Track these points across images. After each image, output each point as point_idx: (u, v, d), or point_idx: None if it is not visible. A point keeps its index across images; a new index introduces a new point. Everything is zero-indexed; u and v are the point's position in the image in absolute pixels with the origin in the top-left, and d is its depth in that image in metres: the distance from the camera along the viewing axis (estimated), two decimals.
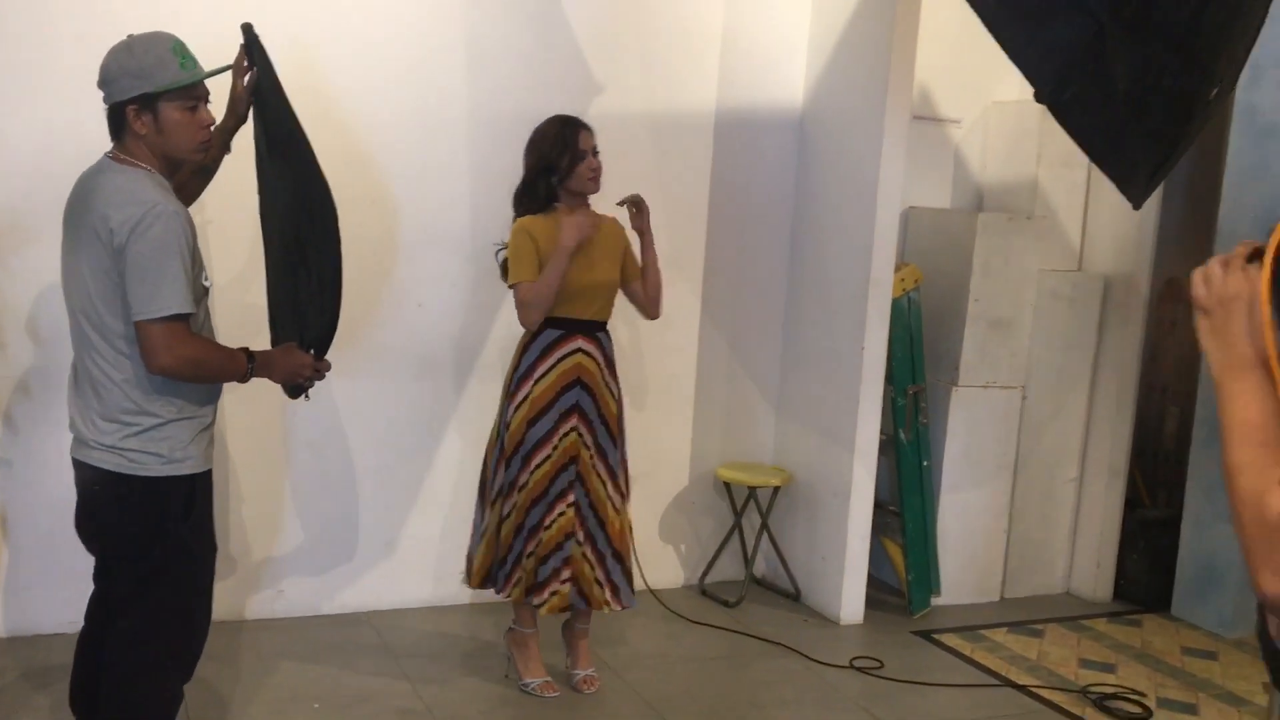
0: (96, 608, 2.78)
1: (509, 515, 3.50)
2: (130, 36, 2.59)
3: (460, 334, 4.32)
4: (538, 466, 3.48)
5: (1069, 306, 4.85)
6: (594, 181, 3.47)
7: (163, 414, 2.53)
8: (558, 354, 3.46)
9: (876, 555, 4.63)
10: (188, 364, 2.49)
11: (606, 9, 4.37)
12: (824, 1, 4.60)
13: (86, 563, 3.95)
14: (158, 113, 2.52)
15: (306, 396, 2.94)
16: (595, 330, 3.53)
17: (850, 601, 4.49)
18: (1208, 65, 2.45)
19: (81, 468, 2.62)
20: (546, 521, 3.49)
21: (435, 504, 4.36)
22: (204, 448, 2.62)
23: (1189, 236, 5.24)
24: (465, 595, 4.40)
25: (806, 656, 4.13)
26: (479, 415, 4.36)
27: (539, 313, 3.42)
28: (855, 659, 4.11)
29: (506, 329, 4.28)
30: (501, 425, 3.57)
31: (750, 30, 4.61)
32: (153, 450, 2.53)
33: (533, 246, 3.40)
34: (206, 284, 2.62)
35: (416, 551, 4.35)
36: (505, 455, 3.53)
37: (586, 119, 4.12)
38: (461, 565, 4.39)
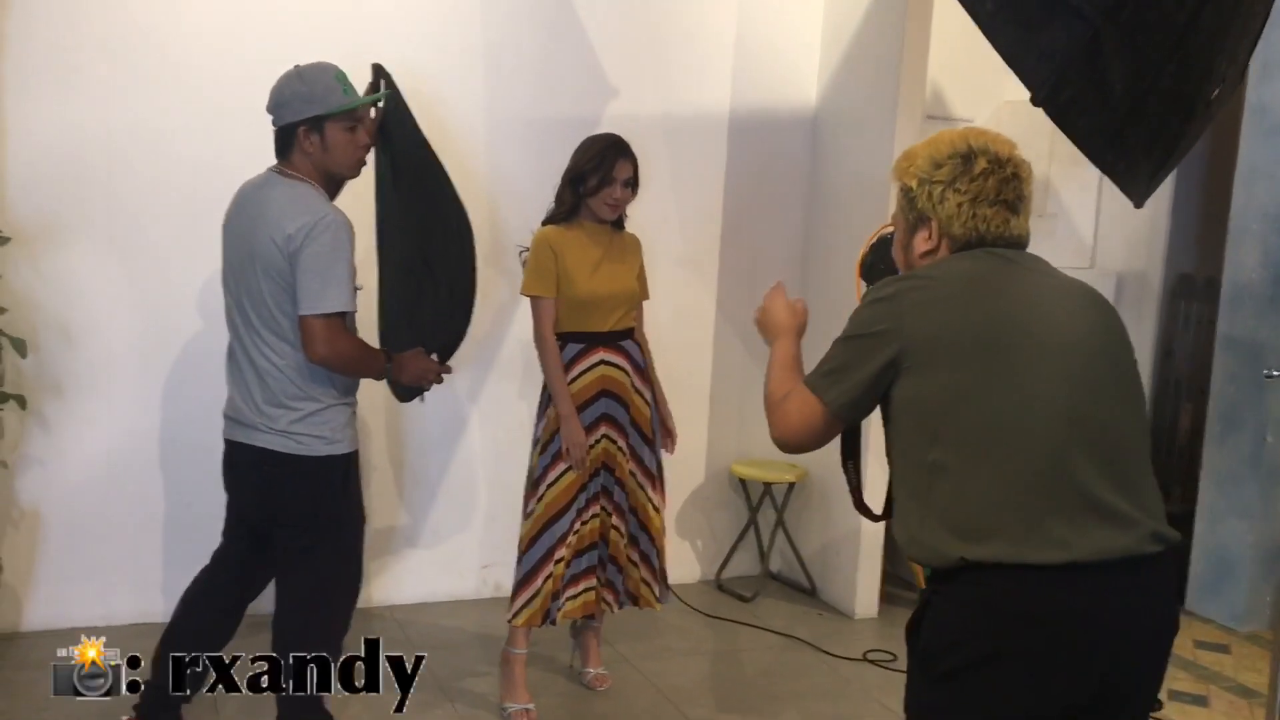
0: (221, 565, 3.08)
1: (530, 514, 3.49)
2: (298, 66, 2.85)
3: (480, 332, 4.39)
4: (561, 476, 3.44)
5: None
6: (611, 209, 3.46)
7: (323, 399, 2.83)
8: (580, 367, 3.46)
9: (891, 550, 4.69)
10: (340, 358, 2.79)
11: (620, 13, 4.44)
12: (836, 1, 4.65)
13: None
14: (324, 133, 2.80)
15: (423, 399, 3.24)
16: (618, 340, 3.52)
17: (864, 595, 4.55)
18: (1206, 66, 2.49)
19: (245, 449, 2.86)
20: (576, 527, 3.47)
21: (456, 499, 4.45)
22: (354, 430, 2.94)
23: (1201, 233, 5.27)
24: (486, 589, 4.49)
25: (821, 650, 4.19)
26: (498, 411, 4.45)
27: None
28: (869, 652, 4.17)
29: (525, 327, 4.35)
30: (533, 442, 3.54)
31: (763, 31, 4.67)
32: (316, 433, 2.82)
33: (551, 260, 3.42)
34: (358, 286, 2.86)
35: (438, 546, 4.44)
36: (540, 447, 3.48)
37: (601, 122, 4.19)
38: (483, 560, 4.49)
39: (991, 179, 1.93)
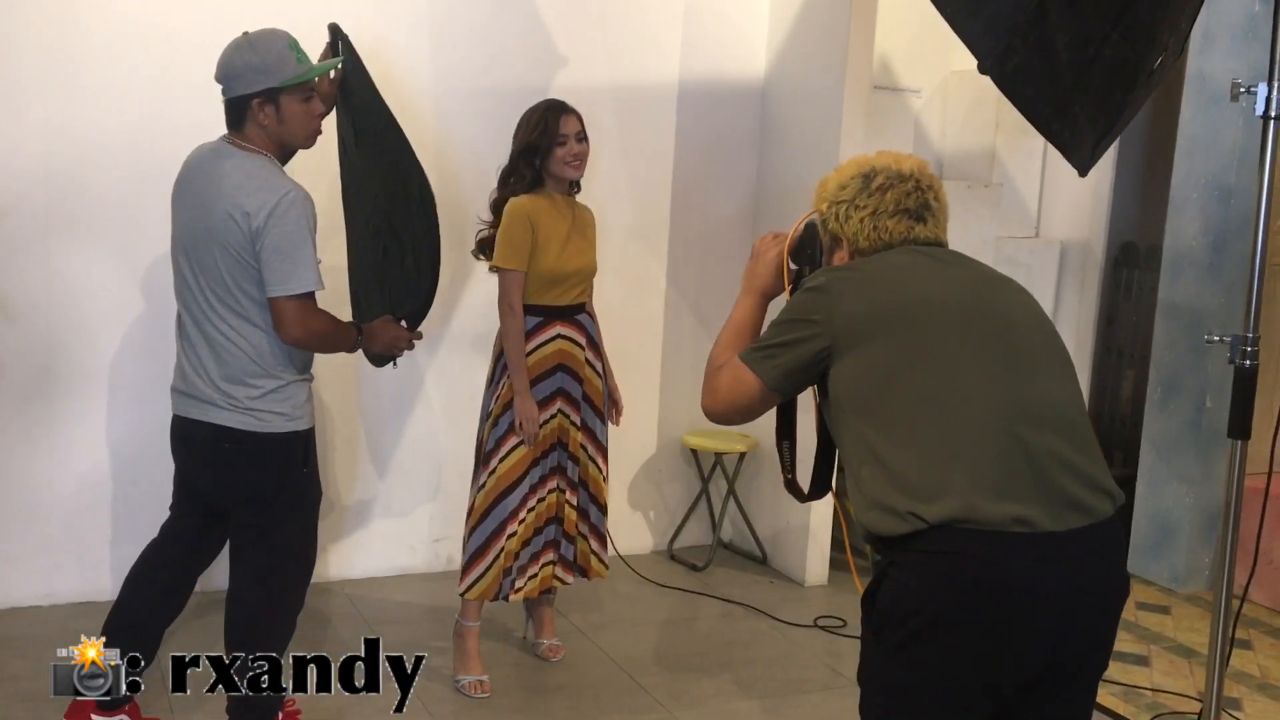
0: (169, 539, 3.04)
1: (482, 487, 3.46)
2: (247, 34, 2.76)
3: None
4: (514, 449, 3.42)
5: (1026, 272, 4.94)
6: (573, 167, 3.41)
7: (284, 376, 2.80)
8: (536, 341, 3.44)
9: (844, 519, 4.73)
10: (315, 336, 2.78)
11: None
12: None
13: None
14: (279, 105, 2.73)
15: (394, 365, 3.22)
16: (574, 314, 3.50)
17: (815, 563, 4.59)
18: (1149, 36, 2.51)
19: (202, 426, 2.81)
20: (530, 503, 3.46)
21: (406, 473, 4.42)
22: (312, 406, 2.92)
23: (1144, 202, 5.35)
24: (439, 563, 4.48)
25: (772, 617, 4.23)
26: (448, 384, 4.42)
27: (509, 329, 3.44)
28: (819, 618, 4.22)
29: (474, 298, 4.34)
30: (484, 415, 3.51)
31: (712, 0, 4.66)
32: (278, 410, 2.79)
33: (528, 233, 3.34)
34: (319, 260, 2.82)
35: (389, 520, 4.42)
36: (493, 421, 3.46)
37: (549, 91, 4.16)
38: (435, 534, 4.48)
39: (890, 192, 2.04)
